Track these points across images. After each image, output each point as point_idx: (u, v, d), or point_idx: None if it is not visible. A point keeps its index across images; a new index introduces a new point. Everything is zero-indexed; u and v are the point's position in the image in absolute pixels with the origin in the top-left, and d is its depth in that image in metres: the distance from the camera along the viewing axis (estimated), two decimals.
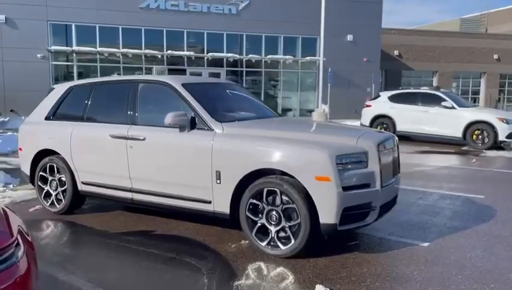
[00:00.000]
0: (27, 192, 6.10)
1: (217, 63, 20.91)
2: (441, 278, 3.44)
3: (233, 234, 4.43)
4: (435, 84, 30.37)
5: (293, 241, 3.75)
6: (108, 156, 4.74)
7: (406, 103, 12.92)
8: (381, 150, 3.91)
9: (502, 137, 11.37)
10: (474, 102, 32.70)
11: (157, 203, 4.51)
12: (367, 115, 13.73)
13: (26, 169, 5.47)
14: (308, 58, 21.45)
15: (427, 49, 31.47)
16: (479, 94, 34.00)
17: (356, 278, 3.45)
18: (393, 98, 13.36)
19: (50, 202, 5.21)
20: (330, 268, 3.63)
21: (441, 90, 13.42)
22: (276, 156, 3.79)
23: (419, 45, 31.02)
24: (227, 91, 5.25)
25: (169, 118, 4.16)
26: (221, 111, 4.59)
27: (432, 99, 12.57)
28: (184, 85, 4.53)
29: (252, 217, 3.94)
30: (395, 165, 4.28)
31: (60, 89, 5.45)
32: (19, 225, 2.29)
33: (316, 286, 3.21)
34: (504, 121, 11.38)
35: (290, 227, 3.78)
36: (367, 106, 14.07)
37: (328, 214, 3.62)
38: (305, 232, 3.67)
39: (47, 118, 5.36)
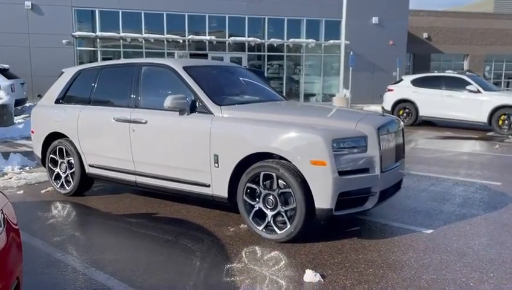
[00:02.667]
0: (42, 174, 6.27)
1: (238, 47, 20.81)
2: (438, 266, 3.34)
3: (234, 218, 4.43)
4: (465, 67, 29.35)
5: (288, 225, 3.72)
6: (113, 139, 4.79)
7: (429, 87, 12.54)
8: (382, 134, 3.79)
9: None
10: (507, 86, 31.47)
11: (159, 186, 4.55)
12: (389, 99, 13.42)
13: (38, 151, 5.61)
14: (331, 41, 21.04)
15: (458, 32, 30.38)
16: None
17: (350, 264, 3.39)
18: (416, 82, 12.98)
19: (60, 183, 5.34)
20: (325, 253, 3.58)
21: (467, 73, 12.94)
22: (272, 140, 3.74)
23: (449, 27, 29.97)
24: (231, 74, 5.20)
25: (168, 101, 4.15)
26: (221, 94, 4.55)
27: (456, 83, 12.14)
28: (185, 68, 4.51)
29: (249, 201, 3.92)
30: (398, 149, 4.16)
31: (69, 72, 5.53)
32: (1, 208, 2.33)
33: (306, 270, 3.17)
34: None
35: (286, 211, 3.74)
36: (389, 90, 13.73)
37: (323, 199, 3.56)
38: (300, 217, 3.63)
39: (57, 101, 5.47)
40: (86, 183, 5.28)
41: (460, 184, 5.90)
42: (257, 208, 3.90)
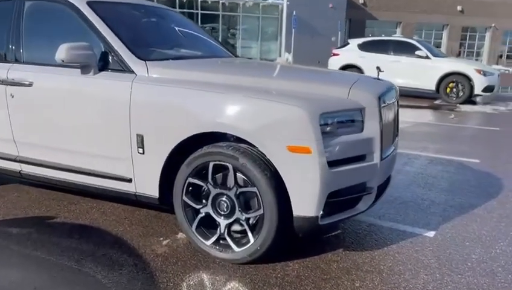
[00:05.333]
0: None
1: (168, 2, 18.73)
2: None
3: (169, 221, 3.15)
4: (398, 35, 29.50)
5: (252, 240, 2.51)
6: None
7: (377, 52, 11.74)
8: (383, 105, 2.66)
9: (477, 90, 10.52)
10: None
11: (56, 179, 3.11)
12: (334, 64, 12.47)
13: None
14: (270, 0, 19.65)
15: None
16: (440, 47, 33.50)
17: None
18: (363, 46, 12.13)
19: None
20: (306, 280, 2.44)
21: (415, 38, 12.33)
22: (227, 114, 2.45)
23: None
24: (162, 19, 3.75)
25: (63, 51, 2.68)
26: (147, 45, 3.14)
27: (405, 48, 11.45)
28: (91, 4, 3.01)
29: (191, 203, 2.65)
30: (395, 127, 3.07)
31: None
32: None
33: None
34: (481, 73, 10.49)
35: (247, 220, 2.53)
36: (334, 54, 12.79)
37: (305, 203, 2.38)
38: (270, 228, 2.44)
39: None
40: None
41: (436, 162, 5.04)
42: (204, 214, 2.64)
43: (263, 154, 2.41)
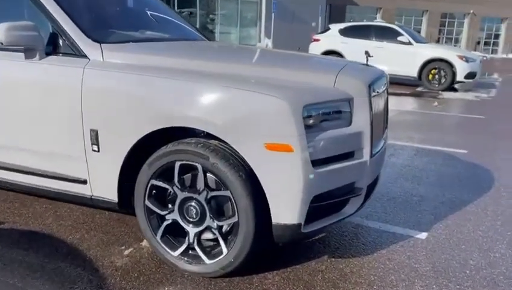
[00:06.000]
0: None
1: None
2: None
3: (134, 226, 2.79)
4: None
5: (225, 251, 2.19)
6: None
7: (359, 37, 11.45)
8: (373, 95, 2.34)
9: (460, 77, 10.37)
10: None
11: (4, 181, 2.70)
12: (315, 50, 12.14)
13: None
14: None
15: None
16: (420, 33, 33.69)
17: None
18: (345, 32, 11.83)
19: None
20: None
21: (397, 23, 12.09)
22: (195, 105, 2.09)
23: None
24: None
25: (2, 32, 2.27)
26: (104, 26, 2.74)
27: (387, 34, 11.19)
28: None
29: (155, 209, 2.30)
30: (385, 118, 2.76)
31: None
32: None
33: None
34: (464, 59, 10.33)
35: (220, 228, 2.20)
36: (315, 40, 12.46)
37: (286, 209, 2.06)
38: (246, 238, 2.11)
39: None
40: None
41: (423, 153, 4.80)
42: (170, 221, 2.30)
43: (237, 152, 2.08)
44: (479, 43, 36.42)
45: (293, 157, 1.98)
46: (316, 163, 2.05)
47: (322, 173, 2.07)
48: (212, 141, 2.14)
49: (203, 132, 2.16)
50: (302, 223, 2.08)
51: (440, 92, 10.39)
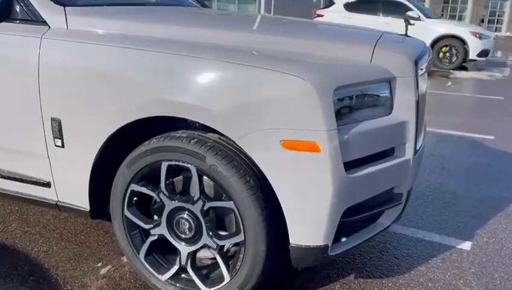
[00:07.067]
0: None
1: None
2: None
3: (114, 234, 2.29)
4: None
5: (227, 277, 1.68)
6: None
7: (365, 13, 10.77)
8: (420, 74, 1.80)
9: (472, 55, 9.76)
10: None
11: None
12: None
13: None
14: None
15: None
16: None
17: None
18: (350, 7, 11.13)
19: None
20: None
21: None
22: (187, 87, 1.56)
23: None
24: None
25: None
26: None
27: (395, 9, 10.51)
28: None
29: (137, 221, 1.79)
30: (425, 102, 2.23)
31: None
32: None
33: None
34: (477, 36, 9.71)
35: (221, 248, 1.69)
36: (318, 16, 11.75)
37: (309, 227, 1.55)
38: (255, 263, 1.61)
39: None
40: None
41: (447, 140, 4.28)
42: (156, 237, 1.79)
43: (242, 151, 1.55)
44: (483, 21, 35.52)
45: (320, 159, 1.46)
46: (350, 166, 1.53)
47: (358, 179, 1.55)
48: (211, 135, 1.62)
49: (198, 123, 1.63)
50: (330, 245, 1.58)
51: (451, 71, 9.81)
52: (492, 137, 4.45)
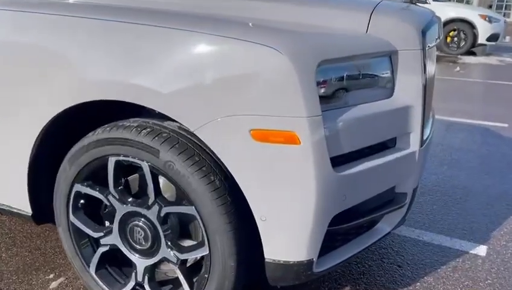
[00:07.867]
0: None
1: None
2: None
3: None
4: None
5: None
6: None
7: None
8: (428, 47, 1.47)
9: (481, 40, 9.33)
10: None
11: None
12: None
13: None
14: None
15: None
16: None
17: None
18: None
19: None
20: None
21: None
22: (135, 65, 1.24)
23: None
24: None
25: None
26: None
27: None
28: None
29: (84, 228, 1.48)
30: (433, 83, 1.90)
31: None
32: None
33: None
34: (487, 19, 9.27)
35: (183, 263, 1.39)
36: None
37: (288, 240, 1.23)
38: (221, 279, 1.30)
39: None
40: None
41: (456, 128, 3.94)
42: (108, 248, 1.49)
43: (205, 144, 1.24)
44: (491, 6, 34.76)
45: (299, 153, 1.14)
46: (338, 161, 1.22)
47: (349, 178, 1.23)
48: (169, 124, 1.30)
49: (152, 109, 1.31)
50: (315, 259, 1.27)
51: (459, 56, 9.40)
52: (506, 125, 4.10)
